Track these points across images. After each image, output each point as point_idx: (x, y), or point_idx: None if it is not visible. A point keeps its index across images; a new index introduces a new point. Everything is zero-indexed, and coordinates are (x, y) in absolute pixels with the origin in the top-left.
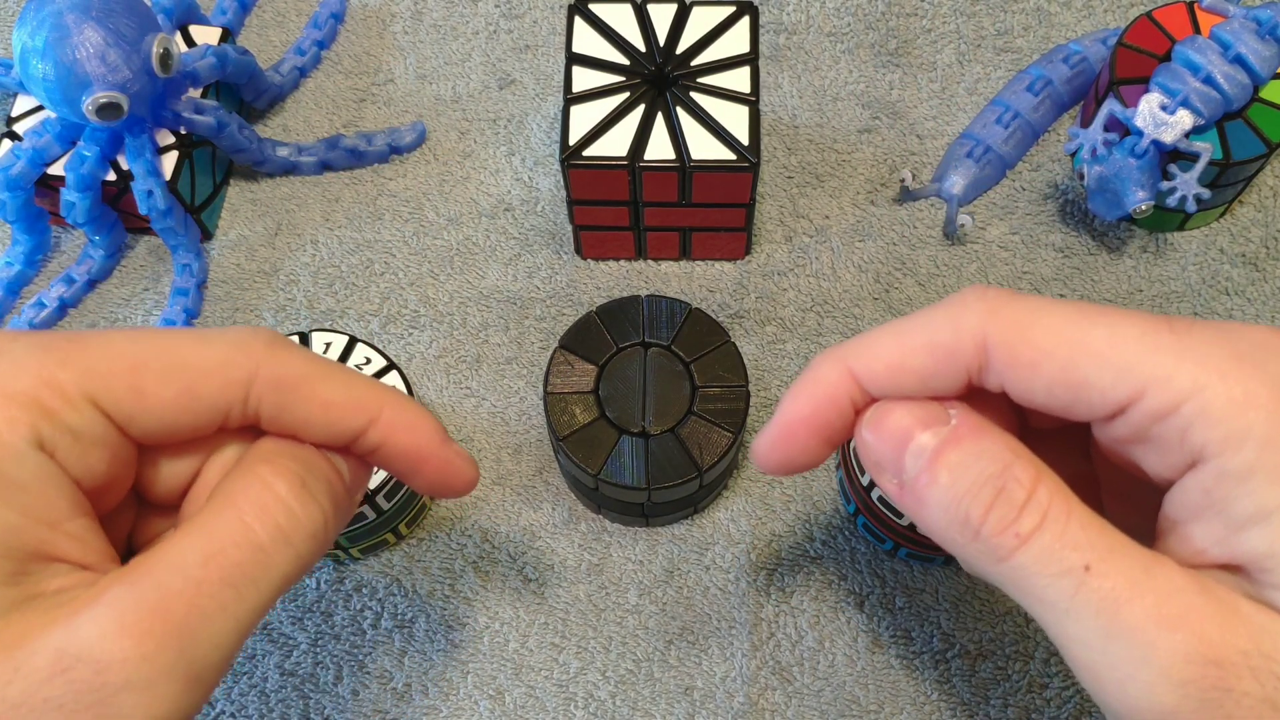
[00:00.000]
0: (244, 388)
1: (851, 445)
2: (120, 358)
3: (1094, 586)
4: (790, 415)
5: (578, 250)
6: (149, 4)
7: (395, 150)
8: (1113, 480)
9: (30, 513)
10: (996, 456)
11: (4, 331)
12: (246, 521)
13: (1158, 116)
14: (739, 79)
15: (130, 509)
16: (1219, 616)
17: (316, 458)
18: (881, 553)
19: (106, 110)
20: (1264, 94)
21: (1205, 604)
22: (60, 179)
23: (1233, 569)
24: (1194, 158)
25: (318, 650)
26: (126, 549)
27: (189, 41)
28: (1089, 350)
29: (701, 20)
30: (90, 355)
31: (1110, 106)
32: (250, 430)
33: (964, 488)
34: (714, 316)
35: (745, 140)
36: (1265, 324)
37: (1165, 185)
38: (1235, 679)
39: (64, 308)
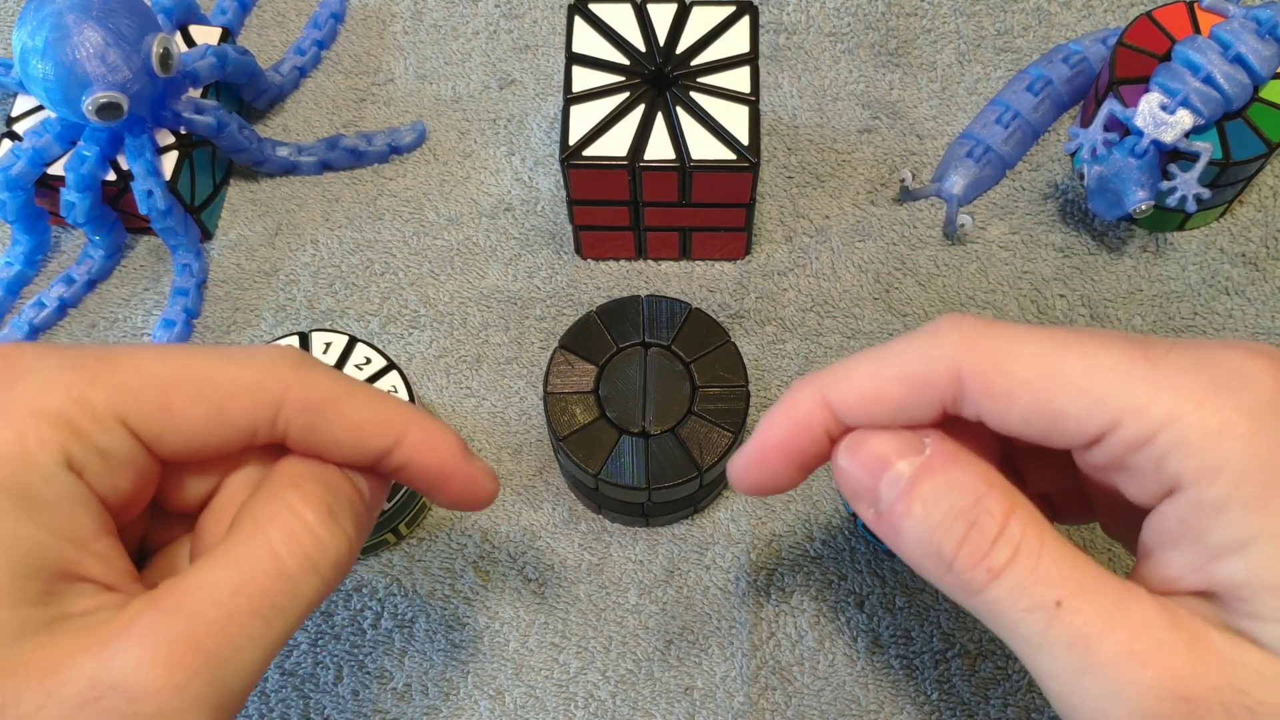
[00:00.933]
0: (273, 409)
1: None
2: (150, 377)
3: (1065, 622)
4: (765, 440)
5: (578, 250)
6: (149, 4)
7: (395, 150)
8: (1101, 495)
9: (59, 532)
10: (969, 488)
11: (35, 346)
12: (276, 550)
13: (1158, 116)
14: (739, 79)
15: (144, 515)
16: (1191, 651)
17: (341, 481)
18: (881, 553)
19: (106, 110)
20: (1264, 94)
21: (1177, 639)
22: (60, 179)
23: (1207, 596)
24: (1194, 158)
25: (318, 650)
26: (139, 550)
27: (189, 41)
28: (1064, 380)
29: (701, 20)
30: (121, 374)
31: (1110, 106)
32: (273, 447)
33: (937, 520)
34: (714, 316)
35: (745, 140)
36: (1246, 338)
37: (1165, 185)
38: (1207, 714)
39: (64, 308)
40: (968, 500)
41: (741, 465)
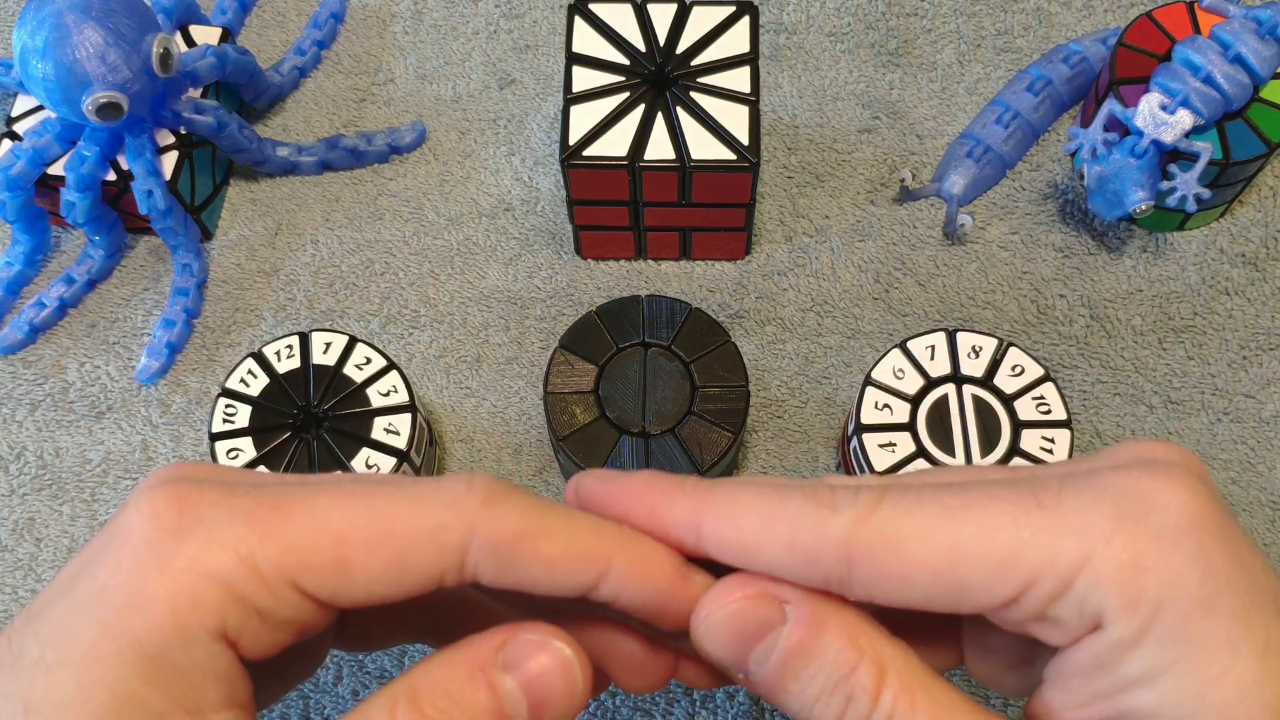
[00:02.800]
0: (458, 554)
1: (852, 444)
2: (325, 530)
3: None
4: (620, 502)
5: (578, 250)
6: (149, 4)
7: (395, 150)
8: (976, 641)
9: (177, 702)
10: (841, 660)
11: (214, 489)
12: None
13: (1158, 116)
14: (739, 79)
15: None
16: None
17: (478, 700)
18: None
19: (106, 110)
20: (1264, 94)
21: None
22: (60, 179)
23: None
24: (1194, 158)
25: None
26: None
27: (189, 41)
28: (963, 554)
29: (701, 20)
30: (294, 528)
31: (1110, 106)
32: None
33: (813, 695)
34: (714, 316)
35: (745, 140)
36: (1246, 338)
37: (1165, 185)
38: None
39: (64, 308)
40: (841, 671)
41: (587, 493)
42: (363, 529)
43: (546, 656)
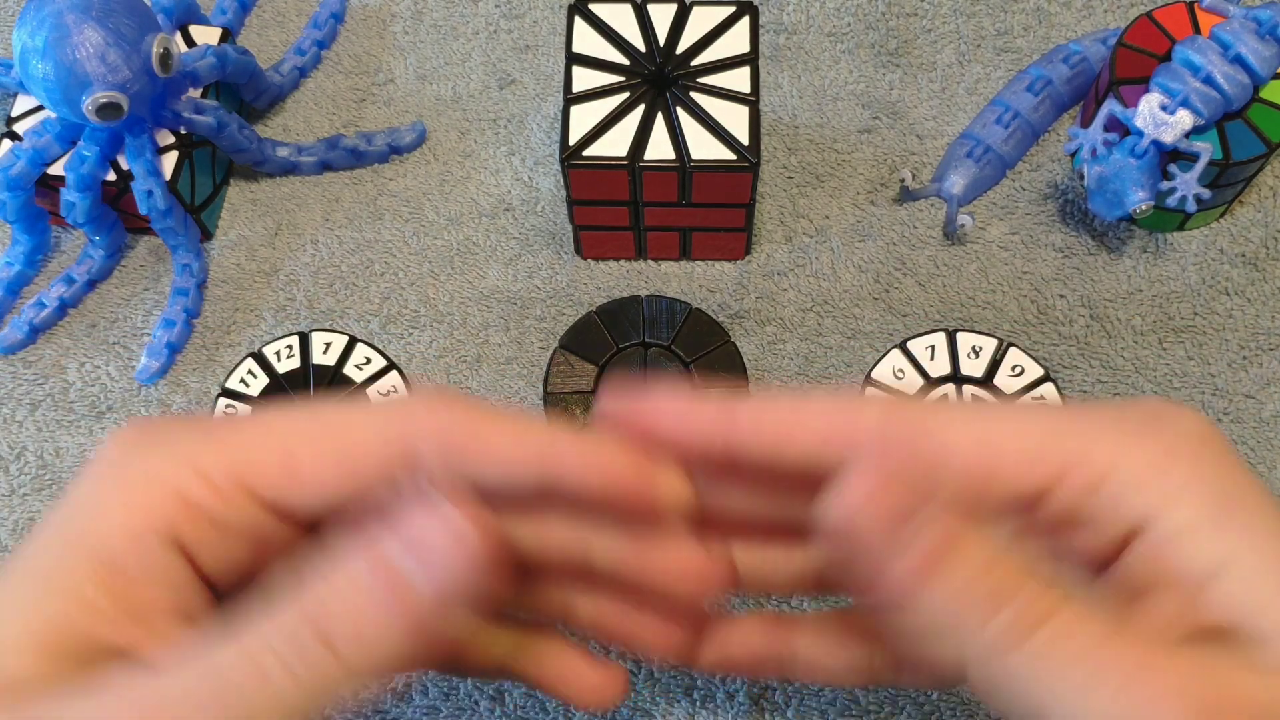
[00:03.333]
0: (408, 454)
1: None
2: (271, 434)
3: (1110, 665)
4: (646, 409)
5: (578, 250)
6: (149, 4)
7: (395, 150)
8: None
9: (126, 608)
10: (993, 542)
11: (176, 418)
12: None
13: (1158, 116)
14: (739, 79)
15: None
16: (1217, 683)
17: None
18: None
19: (106, 110)
20: (1264, 94)
21: (1202, 674)
22: (60, 179)
23: (1204, 635)
24: (1194, 158)
25: None
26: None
27: (189, 41)
28: (998, 444)
29: (701, 20)
30: (242, 437)
31: (1110, 106)
32: None
33: (958, 589)
34: (714, 316)
35: (745, 140)
36: (1246, 338)
37: (1165, 185)
38: None
39: (64, 308)
40: (1002, 544)
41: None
42: (309, 431)
43: (428, 516)
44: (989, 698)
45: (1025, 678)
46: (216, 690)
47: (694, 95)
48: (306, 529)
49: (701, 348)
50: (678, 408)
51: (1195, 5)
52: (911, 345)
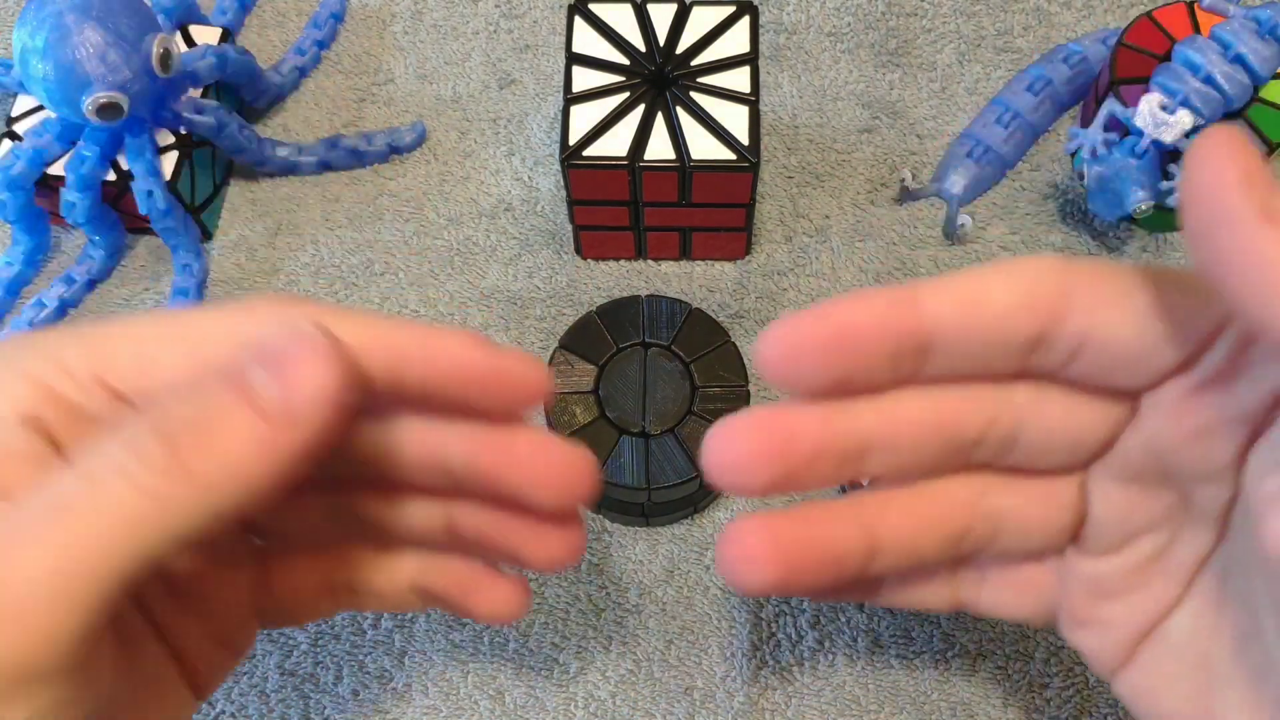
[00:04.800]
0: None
1: None
2: (128, 331)
3: None
4: (843, 316)
5: (578, 250)
6: (149, 4)
7: (395, 150)
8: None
9: None
10: None
11: (43, 330)
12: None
13: (1158, 116)
14: (739, 79)
15: None
16: None
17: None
18: None
19: (106, 110)
20: (1264, 94)
21: None
22: (60, 179)
23: None
24: None
25: (318, 650)
26: None
27: (189, 41)
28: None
29: (701, 20)
30: (101, 333)
31: (1110, 106)
32: None
33: None
34: (714, 316)
35: (745, 140)
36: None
37: (1165, 185)
38: None
39: (64, 308)
40: None
41: (789, 335)
42: (163, 330)
43: (281, 333)
44: None
45: None
46: (54, 509)
47: (694, 95)
48: None
49: (701, 348)
50: (859, 305)
51: (1195, 5)
52: None
